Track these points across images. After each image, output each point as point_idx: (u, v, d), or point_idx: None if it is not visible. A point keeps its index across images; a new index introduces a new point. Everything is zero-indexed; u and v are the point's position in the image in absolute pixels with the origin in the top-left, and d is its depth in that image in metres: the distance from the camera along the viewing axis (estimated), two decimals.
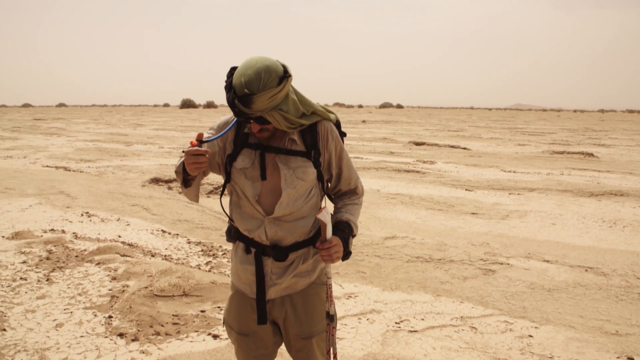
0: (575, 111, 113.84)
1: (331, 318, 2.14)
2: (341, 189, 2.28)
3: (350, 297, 4.78)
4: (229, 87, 1.90)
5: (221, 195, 2.22)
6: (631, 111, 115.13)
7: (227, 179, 2.15)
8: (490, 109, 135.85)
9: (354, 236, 2.20)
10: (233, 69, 1.95)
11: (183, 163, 2.02)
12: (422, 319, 4.31)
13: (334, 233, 2.10)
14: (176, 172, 2.11)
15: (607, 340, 3.97)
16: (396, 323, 4.23)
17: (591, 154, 17.08)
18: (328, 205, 2.22)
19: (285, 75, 1.89)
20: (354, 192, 2.29)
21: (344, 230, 2.14)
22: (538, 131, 32.06)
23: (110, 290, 4.82)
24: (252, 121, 1.96)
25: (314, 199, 2.15)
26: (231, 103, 1.89)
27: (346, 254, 2.11)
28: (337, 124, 2.23)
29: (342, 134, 2.26)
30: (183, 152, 1.93)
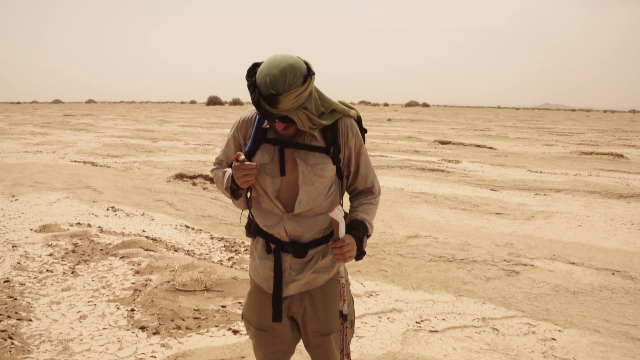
0: (605, 111, 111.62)
1: (345, 317, 2.13)
2: (357, 187, 2.25)
3: (371, 295, 4.76)
4: (253, 86, 1.89)
5: (245, 193, 2.23)
6: None
7: None
8: (517, 109, 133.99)
9: (368, 236, 2.17)
10: (255, 66, 1.94)
11: (232, 178, 2.08)
12: (443, 319, 4.27)
13: (348, 232, 2.08)
14: (225, 188, 2.14)
15: (633, 345, 3.88)
16: (417, 323, 4.20)
17: (621, 155, 16.72)
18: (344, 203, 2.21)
19: (309, 73, 1.89)
20: (370, 192, 2.26)
21: (359, 229, 2.12)
22: (566, 131, 31.53)
23: (133, 283, 4.88)
24: (276, 120, 1.96)
25: (333, 196, 2.14)
26: (256, 103, 1.87)
27: (360, 254, 2.09)
28: (358, 120, 2.21)
29: (363, 131, 2.24)
30: (231, 167, 2.03)
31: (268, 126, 2.10)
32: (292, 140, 2.07)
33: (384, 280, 5.15)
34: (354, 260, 2.08)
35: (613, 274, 5.41)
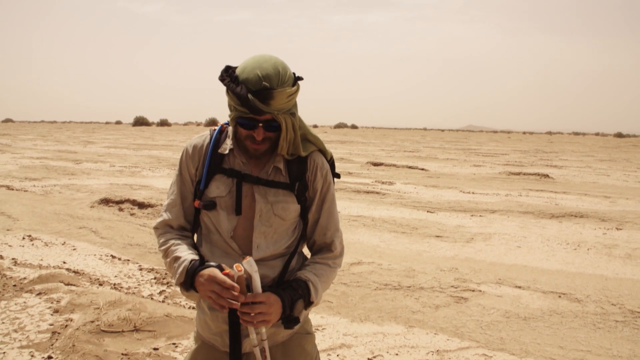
0: (524, 133, 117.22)
1: None
2: (315, 241, 1.89)
3: (317, 329, 4.44)
4: (237, 82, 1.62)
5: (195, 230, 1.87)
6: (577, 133, 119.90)
7: (197, 210, 1.80)
8: (443, 130, 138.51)
9: (310, 303, 1.76)
10: (228, 67, 1.68)
11: (186, 273, 1.68)
12: (396, 354, 4.01)
13: (280, 290, 1.69)
14: (176, 283, 1.73)
15: None
16: (369, 359, 3.91)
17: (547, 175, 17.31)
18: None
19: (297, 78, 1.68)
20: (329, 249, 1.88)
21: (297, 289, 1.71)
22: (491, 152, 32.63)
23: (51, 325, 4.32)
24: (260, 125, 1.65)
25: (295, 238, 1.83)
26: (244, 98, 1.59)
27: (289, 321, 1.68)
28: (331, 163, 1.93)
29: (335, 175, 1.95)
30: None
31: (227, 152, 1.76)
32: (251, 173, 1.75)
33: (330, 312, 4.85)
34: (278, 326, 1.71)
35: (559, 297, 5.34)
